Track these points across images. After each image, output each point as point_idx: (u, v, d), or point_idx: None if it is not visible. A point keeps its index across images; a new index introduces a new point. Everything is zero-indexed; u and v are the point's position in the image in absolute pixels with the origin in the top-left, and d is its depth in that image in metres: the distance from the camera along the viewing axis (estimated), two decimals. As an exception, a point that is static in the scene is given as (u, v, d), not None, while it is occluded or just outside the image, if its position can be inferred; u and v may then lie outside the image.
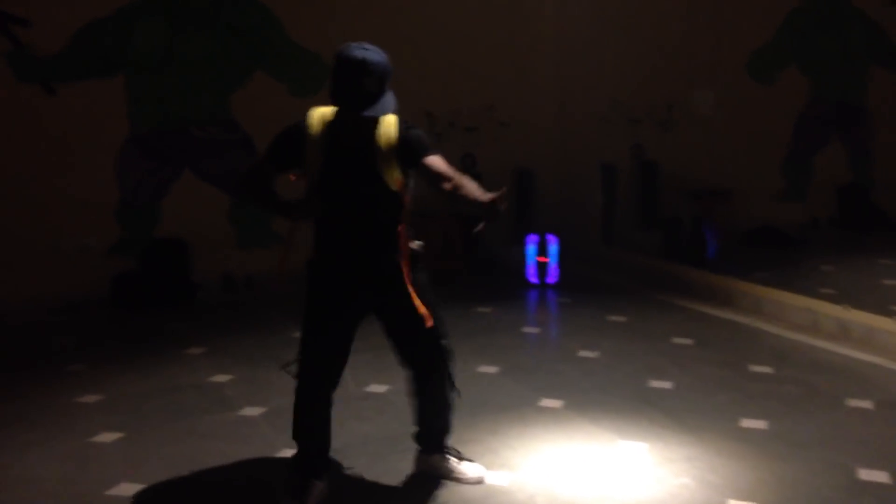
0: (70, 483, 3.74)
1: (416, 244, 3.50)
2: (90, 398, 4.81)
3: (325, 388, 3.53)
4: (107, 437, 4.25)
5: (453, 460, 3.74)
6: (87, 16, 6.83)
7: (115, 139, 7.06)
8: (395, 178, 3.33)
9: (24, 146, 6.71)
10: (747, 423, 4.27)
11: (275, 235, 7.61)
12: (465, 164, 8.31)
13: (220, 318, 6.63)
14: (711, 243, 7.96)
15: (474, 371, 5.10)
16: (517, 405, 4.55)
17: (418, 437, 3.77)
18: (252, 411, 4.57)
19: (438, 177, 3.30)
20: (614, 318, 6.37)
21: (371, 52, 3.19)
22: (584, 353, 5.49)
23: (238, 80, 7.42)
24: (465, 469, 3.72)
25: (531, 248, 7.48)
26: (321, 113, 3.34)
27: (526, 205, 8.52)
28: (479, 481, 3.68)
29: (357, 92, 3.14)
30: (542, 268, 7.44)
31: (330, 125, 3.30)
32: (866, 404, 4.55)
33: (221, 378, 5.14)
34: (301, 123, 3.34)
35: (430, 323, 3.41)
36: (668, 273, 7.42)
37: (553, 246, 7.44)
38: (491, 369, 5.13)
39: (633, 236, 8.79)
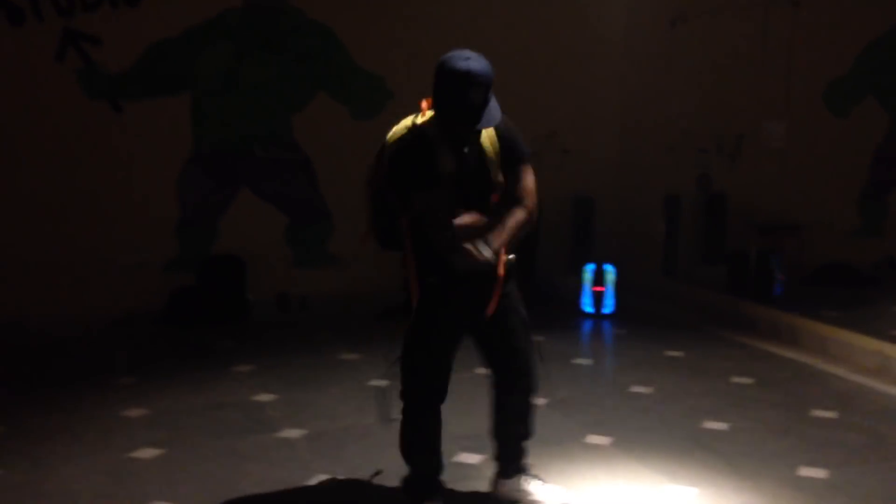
0: (103, 499, 3.72)
1: (510, 255, 3.40)
2: (134, 412, 4.82)
3: (438, 402, 3.46)
4: (146, 453, 4.23)
5: (536, 482, 3.63)
6: (157, 35, 6.95)
7: (178, 157, 7.16)
8: (499, 180, 3.28)
9: (90, 161, 6.84)
10: (806, 471, 4.04)
11: (331, 256, 7.62)
12: (525, 190, 8.19)
13: (271, 337, 6.62)
14: (778, 279, 7.67)
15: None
16: (562, 440, 4.38)
17: (499, 458, 3.66)
18: (292, 433, 4.51)
19: (521, 195, 3.27)
20: (671, 353, 6.16)
21: (474, 62, 3.10)
22: (636, 389, 5.30)
23: (300, 102, 7.45)
24: (550, 493, 3.61)
25: (587, 277, 7.31)
26: (405, 126, 3.25)
27: (585, 233, 8.36)
28: None
29: (464, 105, 3.07)
30: (598, 298, 7.27)
31: (430, 139, 3.20)
32: (937, 457, 4.28)
33: (265, 397, 5.10)
34: (403, 141, 3.22)
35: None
36: (730, 308, 7.18)
37: (610, 275, 7.27)
38: (538, 401, 4.94)
39: (696, 269, 8.54)
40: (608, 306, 7.29)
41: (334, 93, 7.54)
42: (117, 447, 4.30)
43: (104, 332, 6.56)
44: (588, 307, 7.33)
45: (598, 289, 7.27)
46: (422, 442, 3.49)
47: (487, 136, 3.27)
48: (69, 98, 6.74)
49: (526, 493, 3.63)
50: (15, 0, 6.51)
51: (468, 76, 3.05)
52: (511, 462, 3.67)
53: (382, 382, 5.33)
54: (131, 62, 6.90)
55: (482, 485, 3.79)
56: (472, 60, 3.09)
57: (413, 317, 3.37)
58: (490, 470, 3.75)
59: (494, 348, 3.52)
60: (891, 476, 4.01)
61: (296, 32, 7.34)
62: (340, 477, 3.94)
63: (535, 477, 3.69)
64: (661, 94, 8.49)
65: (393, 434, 4.38)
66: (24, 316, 6.47)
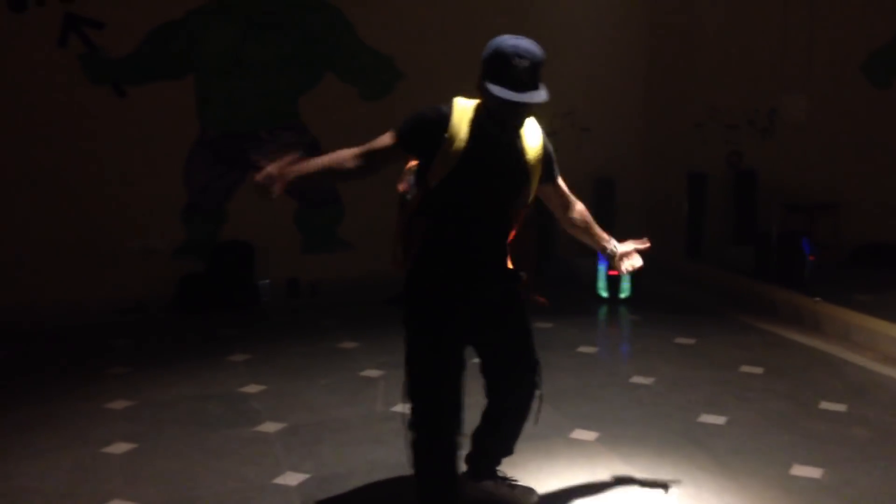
0: (64, 497, 3.65)
1: (521, 273, 3.21)
2: (119, 404, 4.75)
3: (455, 430, 3.13)
4: (119, 447, 4.16)
5: (507, 484, 3.49)
6: (159, 18, 6.86)
7: (185, 141, 7.07)
8: (532, 191, 3.13)
9: (95, 147, 6.78)
10: (799, 470, 3.78)
11: (341, 241, 7.49)
12: (542, 170, 7.95)
13: (275, 324, 6.54)
14: (808, 261, 7.30)
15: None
16: (547, 434, 4.18)
17: (473, 461, 3.50)
18: (270, 427, 4.39)
19: (566, 201, 3.27)
20: (683, 340, 5.89)
21: (524, 41, 2.94)
22: (637, 379, 5.07)
23: (308, 83, 7.31)
24: (520, 494, 3.47)
25: (603, 259, 7.06)
26: (464, 108, 2.99)
27: (606, 214, 8.07)
28: None
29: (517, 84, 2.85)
30: (613, 281, 7.01)
31: (474, 124, 2.97)
32: (948, 455, 3.97)
33: (253, 388, 5.00)
34: (443, 113, 2.97)
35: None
36: (752, 292, 6.86)
37: (627, 259, 6.98)
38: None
39: (726, 250, 8.20)
40: (624, 290, 7.03)
41: (342, 73, 7.37)
42: (91, 441, 4.24)
43: (110, 320, 6.54)
44: (603, 291, 7.07)
45: (614, 272, 7.01)
46: (444, 481, 3.13)
47: (532, 140, 3.09)
48: (73, 84, 6.68)
49: (495, 494, 3.47)
50: (16, -14, 6.47)
51: (518, 51, 2.87)
52: (486, 466, 3.52)
53: (375, 373, 5.22)
54: (134, 46, 6.81)
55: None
56: (521, 40, 2.93)
57: (411, 335, 3.10)
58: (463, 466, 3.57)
59: (501, 367, 3.28)
60: (889, 476, 3.73)
61: (302, 11, 7.18)
62: (307, 475, 3.81)
63: (506, 479, 3.52)
64: (688, 68, 8.15)
65: (376, 430, 4.28)
66: (32, 301, 6.49)
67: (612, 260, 3.39)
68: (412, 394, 3.10)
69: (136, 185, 6.92)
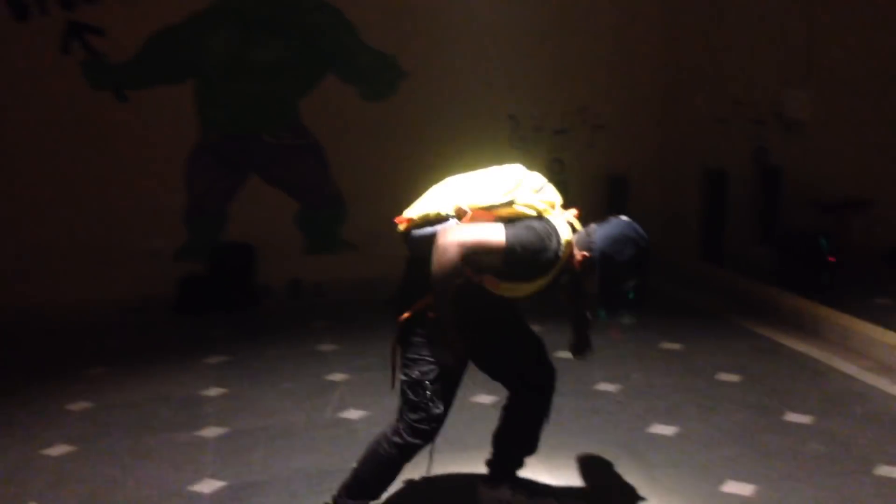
0: (-17, 497, 3.70)
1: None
2: (79, 405, 4.81)
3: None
4: (57, 450, 4.20)
5: (522, 498, 3.38)
6: (160, 23, 6.95)
7: (185, 144, 7.15)
8: None
9: (97, 151, 6.92)
10: (731, 486, 3.56)
11: (343, 242, 7.46)
12: (552, 169, 7.77)
13: (264, 325, 6.54)
14: (829, 262, 6.89)
15: (467, 400, 4.59)
16: (483, 445, 4.02)
17: (490, 463, 3.47)
18: (210, 432, 4.37)
19: None
20: (668, 345, 5.65)
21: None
22: (602, 386, 4.87)
23: (308, 85, 7.30)
24: None
25: (603, 262, 6.81)
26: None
27: (619, 214, 7.82)
28: None
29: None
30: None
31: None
32: (906, 474, 3.67)
33: (214, 392, 4.99)
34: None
35: None
36: (757, 296, 6.53)
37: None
38: (487, 399, 4.64)
39: (747, 253, 7.84)
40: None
41: (343, 73, 7.34)
42: (35, 443, 4.29)
43: (110, 320, 6.63)
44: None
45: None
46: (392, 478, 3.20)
47: None
48: (75, 89, 6.83)
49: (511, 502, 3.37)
50: (19, -4, 6.64)
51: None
52: (501, 469, 3.45)
53: (340, 377, 5.16)
54: (135, 51, 6.92)
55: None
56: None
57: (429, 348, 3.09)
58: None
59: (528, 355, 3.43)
60: (830, 495, 3.47)
61: (301, 12, 7.18)
62: (224, 482, 3.77)
63: (524, 492, 3.40)
64: (710, 61, 7.80)
65: (307, 436, 4.22)
66: (35, 302, 6.64)
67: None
68: (421, 405, 3.07)
69: (139, 188, 7.02)
